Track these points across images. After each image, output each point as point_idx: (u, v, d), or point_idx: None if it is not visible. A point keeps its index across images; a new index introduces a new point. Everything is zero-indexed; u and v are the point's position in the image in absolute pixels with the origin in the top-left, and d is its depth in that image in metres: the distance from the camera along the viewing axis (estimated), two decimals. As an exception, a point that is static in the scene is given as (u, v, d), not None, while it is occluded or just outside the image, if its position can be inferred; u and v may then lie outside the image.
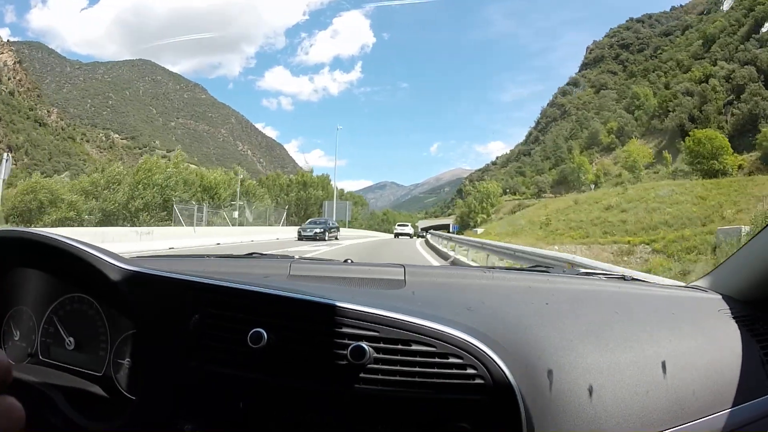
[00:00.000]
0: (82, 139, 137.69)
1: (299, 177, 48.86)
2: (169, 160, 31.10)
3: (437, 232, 23.09)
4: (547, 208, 39.92)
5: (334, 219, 41.26)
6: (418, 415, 0.54)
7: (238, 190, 29.86)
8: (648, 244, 19.28)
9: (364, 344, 0.56)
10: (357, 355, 0.55)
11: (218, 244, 14.63)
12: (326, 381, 0.56)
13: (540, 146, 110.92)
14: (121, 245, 10.09)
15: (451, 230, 42.76)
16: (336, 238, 21.07)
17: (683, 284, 1.05)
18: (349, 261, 0.97)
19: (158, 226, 19.76)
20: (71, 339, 0.78)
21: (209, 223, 22.46)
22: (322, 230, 19.50)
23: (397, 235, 31.07)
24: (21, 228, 0.76)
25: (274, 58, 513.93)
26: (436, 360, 0.55)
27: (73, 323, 0.79)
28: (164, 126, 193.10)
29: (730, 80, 64.38)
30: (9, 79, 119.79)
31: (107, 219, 21.71)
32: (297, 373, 0.57)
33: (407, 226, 34.16)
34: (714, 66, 69.62)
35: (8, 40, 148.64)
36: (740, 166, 44.64)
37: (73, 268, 0.73)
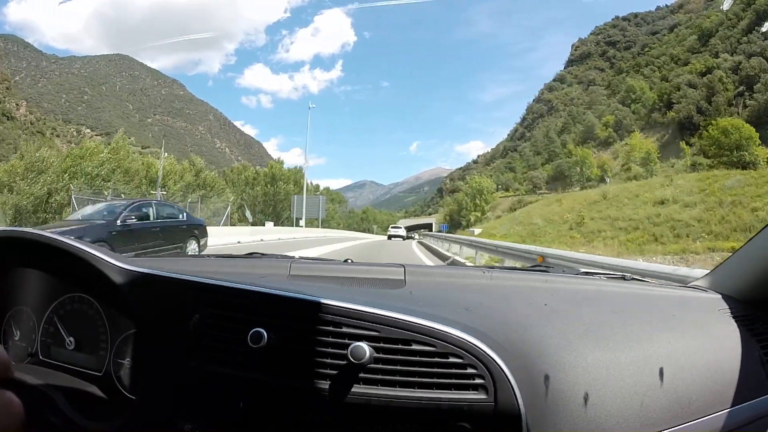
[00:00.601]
0: (52, 134, 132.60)
1: (268, 169, 41.42)
2: (109, 143, 24.66)
3: (435, 233, 16.74)
4: (561, 204, 33.63)
5: (303, 217, 32.98)
6: (419, 415, 0.54)
7: (160, 174, 22.28)
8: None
9: (364, 344, 0.55)
10: (357, 354, 0.54)
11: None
12: (326, 381, 0.56)
13: (529, 142, 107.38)
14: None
15: (437, 230, 42.20)
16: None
17: (683, 284, 1.03)
18: (349, 261, 0.97)
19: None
20: (71, 339, 0.78)
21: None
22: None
23: (390, 237, 32.69)
24: (21, 228, 0.76)
25: (255, 55, 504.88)
26: (436, 360, 0.55)
27: (73, 323, 0.79)
28: (140, 122, 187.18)
29: (738, 72, 61.27)
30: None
31: (19, 217, 16.63)
32: (297, 373, 0.57)
33: (400, 228, 35.71)
34: (716, 58, 66.80)
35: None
36: (769, 159, 39.93)
37: (73, 267, 0.72)
